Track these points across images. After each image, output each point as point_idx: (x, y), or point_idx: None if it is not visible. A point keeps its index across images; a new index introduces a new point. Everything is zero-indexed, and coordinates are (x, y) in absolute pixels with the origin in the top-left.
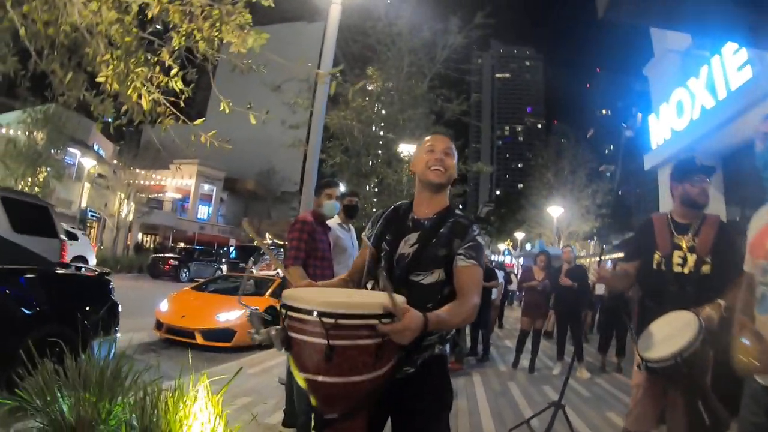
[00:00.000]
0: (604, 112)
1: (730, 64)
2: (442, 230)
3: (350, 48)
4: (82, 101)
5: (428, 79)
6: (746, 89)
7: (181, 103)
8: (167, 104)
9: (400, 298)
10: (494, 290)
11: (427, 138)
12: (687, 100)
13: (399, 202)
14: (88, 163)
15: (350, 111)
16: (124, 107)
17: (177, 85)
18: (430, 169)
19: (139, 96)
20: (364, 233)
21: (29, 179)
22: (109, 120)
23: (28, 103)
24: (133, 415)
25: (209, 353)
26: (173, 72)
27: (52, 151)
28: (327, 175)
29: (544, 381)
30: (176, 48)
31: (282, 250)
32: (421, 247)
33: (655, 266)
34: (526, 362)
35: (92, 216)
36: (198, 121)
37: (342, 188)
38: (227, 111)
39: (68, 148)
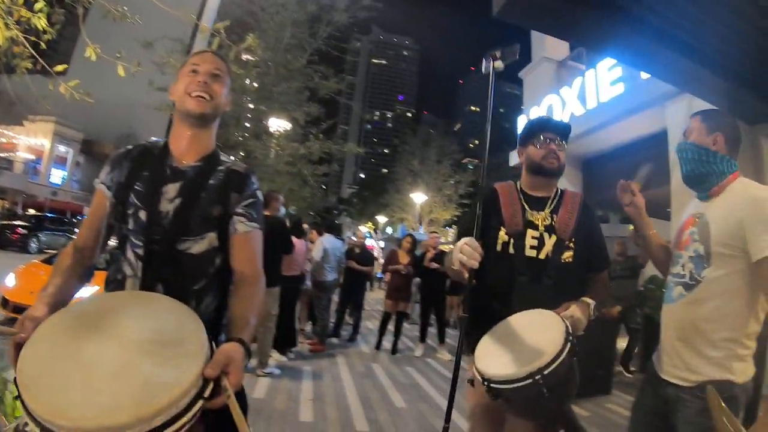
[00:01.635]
0: (472, 108)
1: (604, 78)
2: (211, 181)
3: (232, 12)
4: None
5: (308, 54)
6: (615, 103)
7: (43, 45)
8: (26, 44)
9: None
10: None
11: (191, 57)
12: (558, 106)
13: (151, 140)
14: None
15: None
16: None
17: (40, 22)
18: (190, 96)
19: None
20: (97, 180)
21: None
22: None
23: None
24: None
25: None
26: (38, 5)
27: None
28: None
29: (407, 362)
30: None
31: None
32: (187, 204)
33: (499, 248)
34: (388, 344)
35: None
36: (60, 67)
37: None
38: (93, 57)
39: None
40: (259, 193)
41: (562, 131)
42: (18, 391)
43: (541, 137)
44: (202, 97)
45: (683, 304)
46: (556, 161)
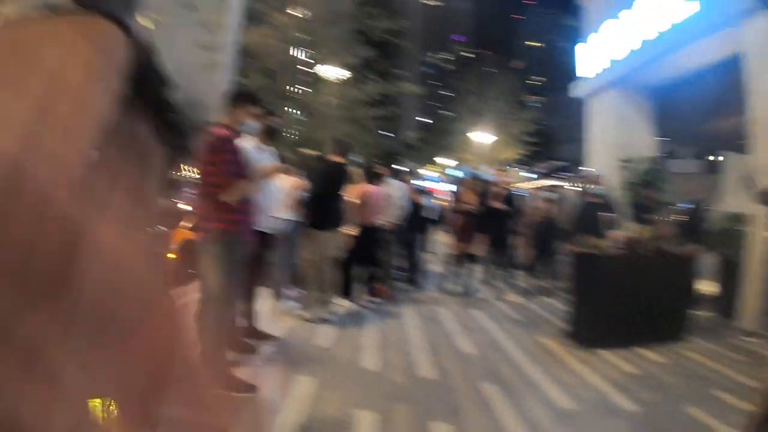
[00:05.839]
0: (532, 44)
1: None
2: None
3: None
4: None
5: None
6: (681, 27)
7: None
8: None
9: None
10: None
11: None
12: (621, 31)
13: None
14: None
15: (271, 29)
16: None
17: None
18: None
19: None
20: None
21: None
22: None
23: None
24: None
25: None
26: None
27: None
28: None
29: (475, 306)
30: None
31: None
32: None
33: None
34: (456, 287)
35: None
36: None
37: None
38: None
39: None
40: None
41: None
42: None
43: None
44: None
45: None
46: None
